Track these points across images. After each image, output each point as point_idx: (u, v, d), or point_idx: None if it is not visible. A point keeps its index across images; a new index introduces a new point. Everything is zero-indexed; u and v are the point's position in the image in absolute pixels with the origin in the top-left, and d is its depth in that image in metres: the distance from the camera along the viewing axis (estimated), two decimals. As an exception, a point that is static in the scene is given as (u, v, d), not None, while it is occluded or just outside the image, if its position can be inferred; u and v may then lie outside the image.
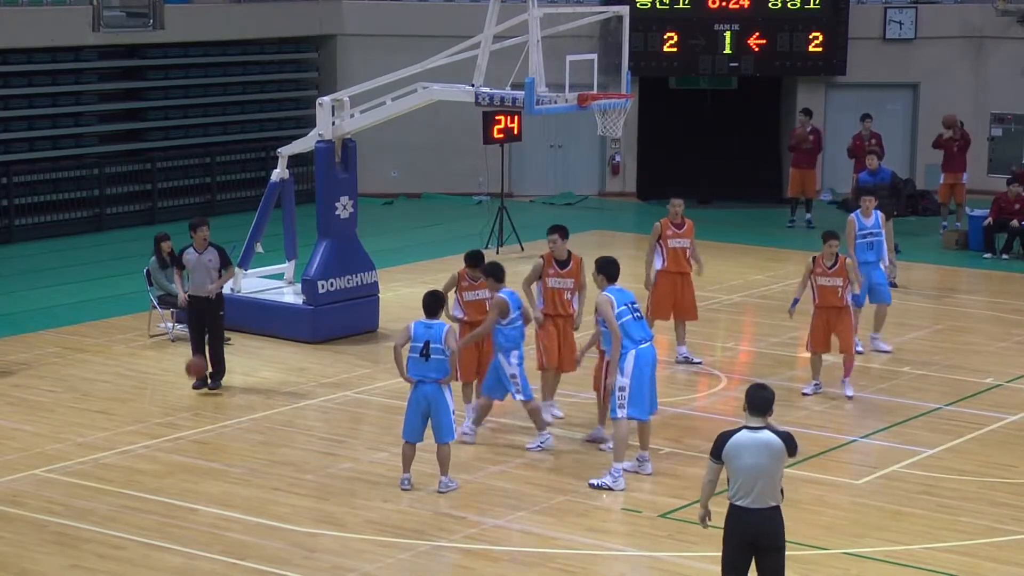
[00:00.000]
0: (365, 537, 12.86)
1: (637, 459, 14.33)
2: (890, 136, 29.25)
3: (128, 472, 14.48)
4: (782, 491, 10.20)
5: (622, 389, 13.85)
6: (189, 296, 17.31)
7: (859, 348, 17.93)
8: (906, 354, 18.90)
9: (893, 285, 22.83)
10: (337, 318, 19.54)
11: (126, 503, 13.62)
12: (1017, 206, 25.30)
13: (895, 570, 12.26)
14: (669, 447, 15.31)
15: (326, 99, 19.66)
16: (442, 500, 13.74)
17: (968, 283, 24.11)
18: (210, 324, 17.25)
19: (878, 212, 18.93)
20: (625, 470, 14.02)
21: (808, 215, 28.44)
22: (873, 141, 27.30)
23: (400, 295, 21.67)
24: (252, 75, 30.61)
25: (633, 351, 13.88)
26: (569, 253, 15.48)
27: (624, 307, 14.02)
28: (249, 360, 18.69)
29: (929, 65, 31.56)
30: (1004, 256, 25.39)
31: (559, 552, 12.10)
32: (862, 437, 15.86)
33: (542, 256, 15.44)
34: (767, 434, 10.08)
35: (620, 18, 19.22)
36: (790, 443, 10.11)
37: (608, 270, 14.32)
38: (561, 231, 15.48)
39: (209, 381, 17.16)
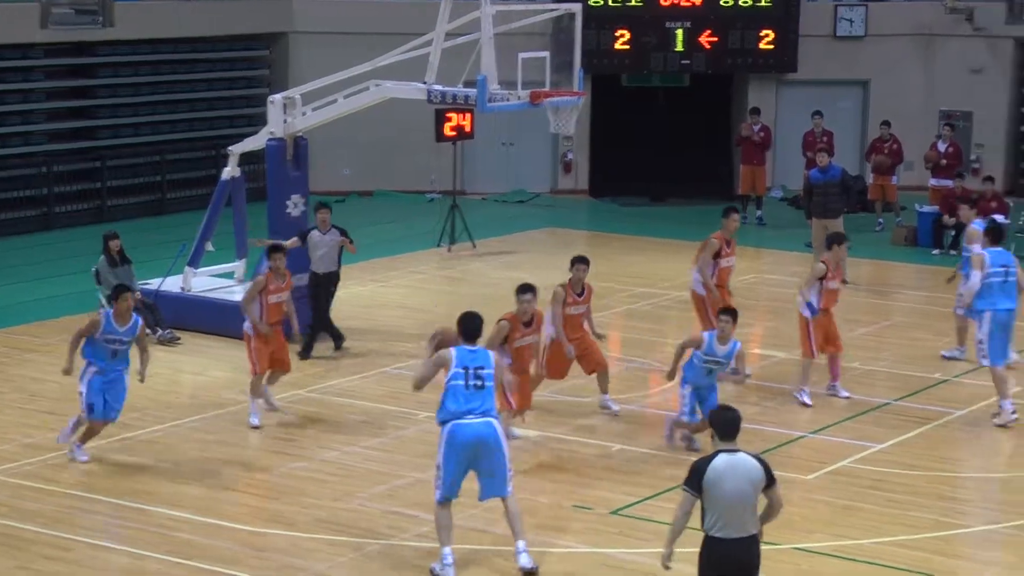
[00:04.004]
0: (316, 536, 12.82)
1: (516, 550, 12.09)
2: (841, 133, 29.41)
3: (76, 473, 14.39)
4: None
5: (437, 467, 11.89)
6: (312, 272, 18.66)
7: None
8: (855, 350, 18.98)
9: (844, 281, 22.97)
10: (288, 316, 19.43)
11: (73, 504, 13.53)
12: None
13: (845, 565, 12.33)
14: (620, 444, 15.34)
15: (277, 97, 19.60)
16: (393, 499, 13.71)
17: (916, 279, 24.25)
18: (324, 297, 18.77)
19: None
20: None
21: (759, 212, 28.57)
22: (825, 139, 27.47)
23: (352, 293, 21.59)
24: (203, 73, 30.41)
25: (447, 426, 11.76)
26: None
27: (460, 369, 11.83)
28: (199, 359, 18.60)
29: (879, 62, 31.74)
30: (952, 252, 25.56)
31: (510, 550, 12.08)
32: (812, 432, 15.93)
33: (507, 318, 14.53)
34: (745, 457, 9.59)
35: (572, 15, 19.27)
36: (770, 473, 9.61)
37: (466, 326, 12.12)
38: (535, 291, 14.66)
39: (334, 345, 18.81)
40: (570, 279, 15.93)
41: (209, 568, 12.10)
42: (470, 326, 12.09)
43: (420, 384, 12.20)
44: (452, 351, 11.94)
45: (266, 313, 15.88)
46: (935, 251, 25.71)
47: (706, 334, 14.92)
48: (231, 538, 12.75)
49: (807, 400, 16.74)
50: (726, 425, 9.68)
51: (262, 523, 13.13)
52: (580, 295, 15.90)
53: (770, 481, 9.62)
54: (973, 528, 13.23)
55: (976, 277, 16.33)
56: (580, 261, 15.98)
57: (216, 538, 12.74)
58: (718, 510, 9.49)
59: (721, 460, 9.52)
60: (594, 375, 16.26)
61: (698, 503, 9.59)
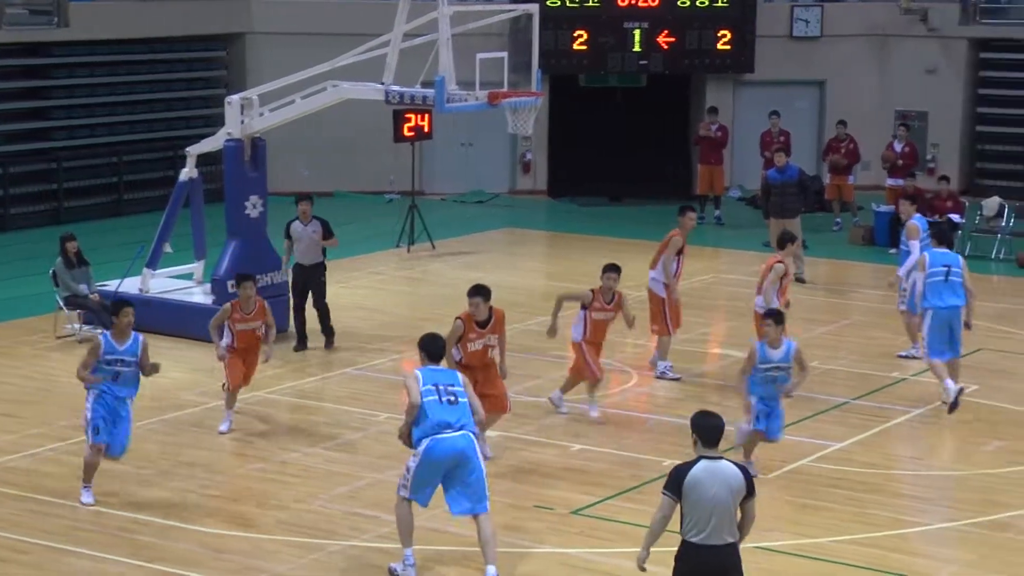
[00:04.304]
0: (276, 538, 12.79)
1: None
2: (798, 133, 29.56)
3: (34, 475, 14.31)
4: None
5: (407, 470, 11.82)
6: (296, 264, 18.96)
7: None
8: (814, 349, 19.06)
9: (801, 281, 23.12)
10: (247, 318, 19.38)
11: (32, 507, 13.45)
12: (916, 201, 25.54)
13: (804, 563, 12.39)
14: (580, 444, 15.37)
15: (235, 97, 19.53)
16: (354, 500, 13.69)
17: (874, 278, 24.36)
18: (314, 287, 18.89)
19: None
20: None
21: (717, 212, 28.69)
22: (782, 139, 27.61)
23: (311, 294, 21.53)
24: (160, 73, 30.27)
25: (425, 443, 11.61)
26: (490, 310, 14.45)
27: (431, 387, 11.73)
28: (158, 361, 18.46)
29: (835, 63, 31.93)
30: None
31: (472, 550, 12.10)
32: (771, 432, 15.98)
33: (461, 317, 14.35)
34: (727, 465, 9.51)
35: (530, 16, 19.27)
36: (750, 484, 9.54)
37: (429, 348, 12.06)
38: (484, 293, 14.39)
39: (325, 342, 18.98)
40: (600, 286, 15.93)
41: (170, 570, 12.06)
42: (434, 348, 12.06)
43: (415, 408, 11.73)
44: (417, 372, 11.83)
45: (235, 339, 15.66)
46: (892, 250, 25.76)
47: (756, 343, 14.32)
48: (192, 540, 12.71)
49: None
50: (708, 431, 9.59)
51: (223, 525, 13.09)
52: (609, 302, 15.90)
53: (749, 492, 9.55)
54: (931, 526, 13.32)
55: (919, 278, 16.75)
56: (611, 269, 15.96)
57: (177, 540, 12.69)
58: (696, 516, 9.41)
59: (702, 466, 9.45)
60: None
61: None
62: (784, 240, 17.45)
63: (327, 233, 18.98)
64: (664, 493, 9.53)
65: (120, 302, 14.15)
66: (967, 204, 26.56)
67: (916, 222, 18.72)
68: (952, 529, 13.24)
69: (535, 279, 24.20)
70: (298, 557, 12.40)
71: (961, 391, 16.28)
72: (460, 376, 12.10)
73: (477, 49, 18.48)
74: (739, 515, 9.61)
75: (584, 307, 15.98)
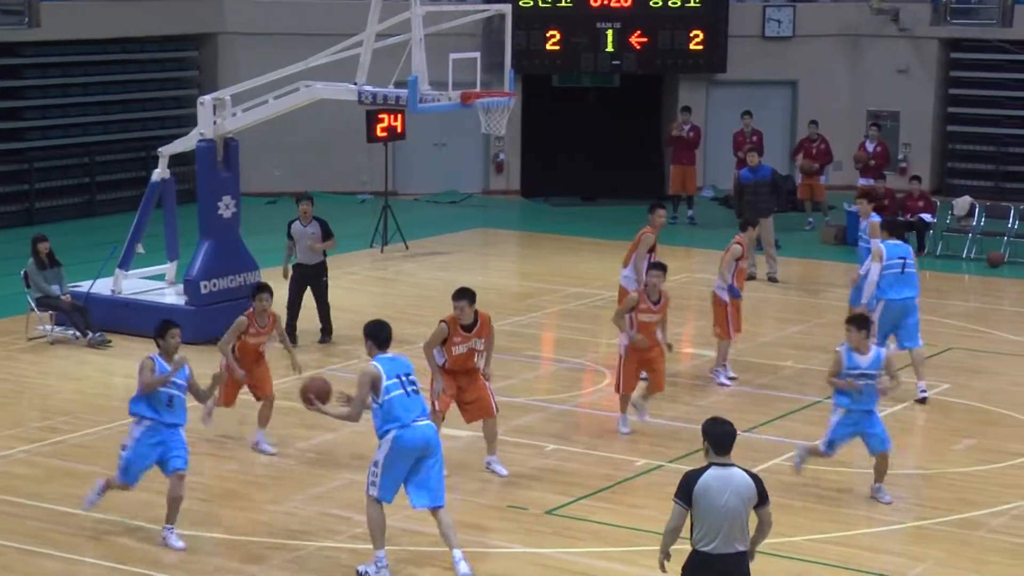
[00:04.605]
0: (250, 539, 12.77)
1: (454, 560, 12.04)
2: (770, 133, 29.65)
3: (5, 477, 14.26)
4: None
5: (375, 464, 11.79)
6: (298, 264, 19.13)
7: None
8: (787, 348, 19.15)
9: (774, 280, 23.21)
10: (220, 318, 19.19)
11: (3, 509, 13.40)
12: (887, 200, 25.69)
13: (779, 562, 12.42)
14: (555, 444, 15.39)
15: (207, 98, 19.50)
16: (327, 501, 13.68)
17: (846, 277, 24.42)
18: (317, 286, 19.16)
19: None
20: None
21: (690, 212, 28.74)
22: (755, 138, 27.69)
23: (284, 295, 21.47)
24: (132, 73, 30.18)
25: (393, 432, 11.67)
26: (476, 313, 14.15)
27: (395, 380, 11.75)
28: (131, 362, 18.32)
29: (807, 63, 32.04)
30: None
31: (445, 550, 12.10)
32: (744, 431, 15.97)
33: (446, 320, 14.08)
34: (738, 472, 9.34)
35: (503, 16, 19.29)
36: (763, 490, 9.39)
37: (378, 335, 12.09)
38: (470, 297, 14.07)
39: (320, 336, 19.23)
40: (646, 285, 15.72)
41: (143, 572, 12.04)
42: (383, 334, 12.04)
43: (358, 415, 11.89)
44: (375, 364, 11.81)
45: (239, 352, 15.01)
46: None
47: (842, 349, 13.73)
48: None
49: (725, 380, 17.41)
50: (721, 438, 9.38)
51: (196, 526, 13.06)
52: (656, 303, 15.55)
53: (762, 499, 9.40)
54: (904, 524, 13.38)
55: (875, 269, 17.12)
56: (656, 267, 15.76)
57: (150, 542, 12.66)
58: (706, 524, 9.25)
59: (713, 473, 9.29)
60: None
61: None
62: (746, 223, 17.91)
63: (326, 234, 19.14)
64: (675, 501, 9.37)
65: (168, 323, 12.79)
66: (938, 204, 26.68)
67: (875, 219, 18.97)
68: (925, 527, 13.30)
69: (508, 279, 24.22)
70: (272, 558, 12.38)
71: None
72: (410, 362, 12.14)
73: (450, 49, 18.49)
74: (753, 521, 9.46)
75: (631, 310, 15.57)
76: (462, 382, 14.16)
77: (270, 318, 15.10)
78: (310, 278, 19.21)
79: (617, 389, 15.77)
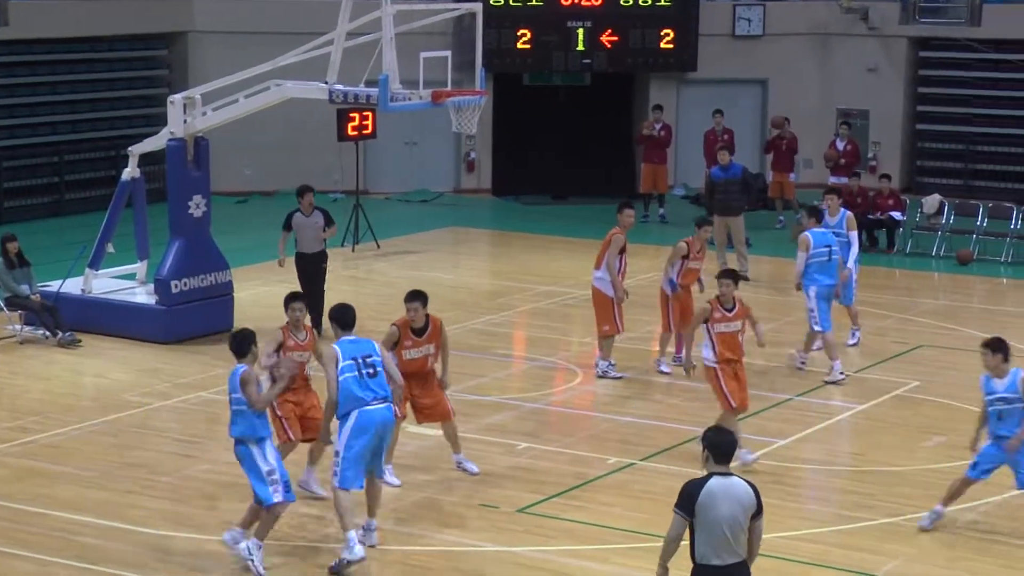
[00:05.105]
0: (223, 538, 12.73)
1: (364, 527, 12.41)
2: (740, 131, 29.73)
3: (-24, 478, 14.20)
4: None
5: (336, 455, 12.01)
6: (298, 253, 19.32)
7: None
8: (758, 346, 19.16)
9: (745, 279, 23.23)
10: (191, 318, 19.32)
11: (-25, 510, 13.34)
12: (859, 199, 25.78)
13: (748, 559, 12.45)
14: (526, 442, 15.40)
15: (177, 97, 19.44)
16: (299, 500, 13.64)
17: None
18: (313, 275, 19.30)
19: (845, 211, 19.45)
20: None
21: (661, 210, 28.79)
22: (726, 137, 27.76)
23: (255, 294, 21.49)
24: (101, 72, 30.06)
25: (351, 414, 11.92)
26: (427, 318, 13.87)
27: (350, 361, 11.98)
28: (101, 361, 18.41)
29: (777, 61, 32.13)
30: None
31: (418, 549, 12.10)
32: (715, 429, 16.06)
33: (397, 323, 13.77)
34: (738, 481, 9.25)
35: (473, 15, 19.27)
36: (760, 501, 9.26)
37: (342, 318, 12.33)
38: (423, 299, 13.80)
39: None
40: (717, 294, 14.78)
41: (115, 573, 12.00)
42: (346, 317, 12.39)
43: (335, 393, 12.03)
44: (335, 347, 12.15)
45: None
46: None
47: (982, 376, 12.86)
48: (137, 542, 12.64)
49: (665, 369, 17.92)
50: (723, 448, 9.33)
51: (168, 526, 13.03)
52: (730, 310, 14.70)
53: (758, 510, 9.30)
54: (874, 521, 13.41)
55: (801, 257, 17.97)
56: (726, 275, 14.83)
57: (122, 542, 12.62)
58: (709, 536, 9.12)
59: (715, 483, 9.19)
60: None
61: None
62: (698, 223, 18.32)
63: (328, 221, 19.51)
64: (676, 511, 9.22)
65: (244, 333, 12.21)
66: (908, 202, 26.78)
67: (850, 213, 19.48)
68: (895, 524, 13.34)
69: (479, 278, 24.23)
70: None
71: (843, 378, 17.68)
72: (377, 345, 12.39)
73: (421, 48, 18.48)
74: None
75: (706, 321, 14.71)
76: (415, 388, 13.85)
77: (308, 333, 13.67)
78: (313, 265, 19.46)
79: (730, 407, 14.64)
